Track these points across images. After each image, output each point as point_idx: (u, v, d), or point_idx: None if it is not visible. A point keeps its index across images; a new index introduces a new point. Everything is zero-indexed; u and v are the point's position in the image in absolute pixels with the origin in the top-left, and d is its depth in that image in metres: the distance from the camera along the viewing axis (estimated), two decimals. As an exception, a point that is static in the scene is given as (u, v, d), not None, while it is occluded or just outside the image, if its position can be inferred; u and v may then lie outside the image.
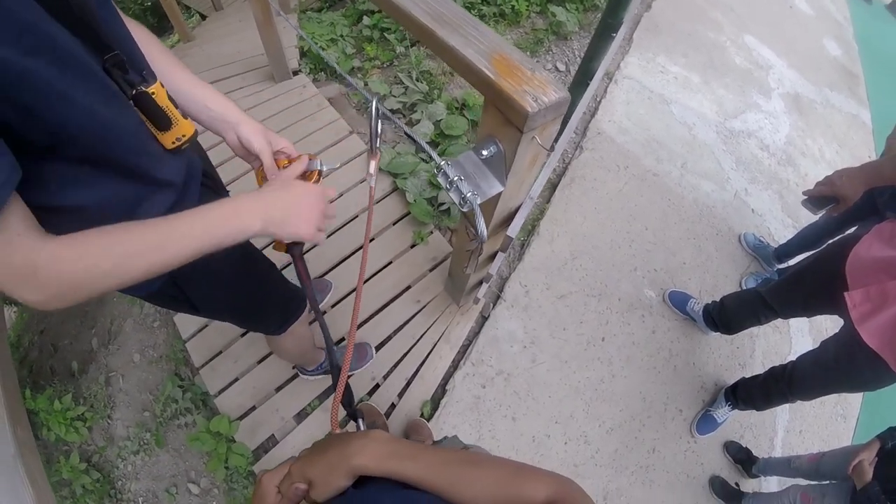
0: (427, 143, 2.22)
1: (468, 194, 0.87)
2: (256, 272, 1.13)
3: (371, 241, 2.06)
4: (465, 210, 0.88)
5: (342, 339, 1.92)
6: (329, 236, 2.07)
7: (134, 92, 0.61)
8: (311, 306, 0.80)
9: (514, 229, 1.60)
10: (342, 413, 0.64)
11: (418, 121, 2.26)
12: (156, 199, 0.70)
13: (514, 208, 1.29)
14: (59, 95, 0.49)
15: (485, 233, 0.92)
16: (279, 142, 0.88)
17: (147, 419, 1.97)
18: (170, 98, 0.66)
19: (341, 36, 2.62)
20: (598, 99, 2.64)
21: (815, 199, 1.39)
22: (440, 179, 0.90)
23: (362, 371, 1.86)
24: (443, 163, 0.88)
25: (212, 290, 0.97)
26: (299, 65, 2.51)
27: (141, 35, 0.75)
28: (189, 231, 0.60)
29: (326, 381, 1.86)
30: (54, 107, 0.49)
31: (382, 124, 0.98)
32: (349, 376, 0.68)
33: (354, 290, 1.99)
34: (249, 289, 1.09)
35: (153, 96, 0.63)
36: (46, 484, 0.87)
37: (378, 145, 1.04)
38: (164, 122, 0.66)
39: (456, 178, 0.87)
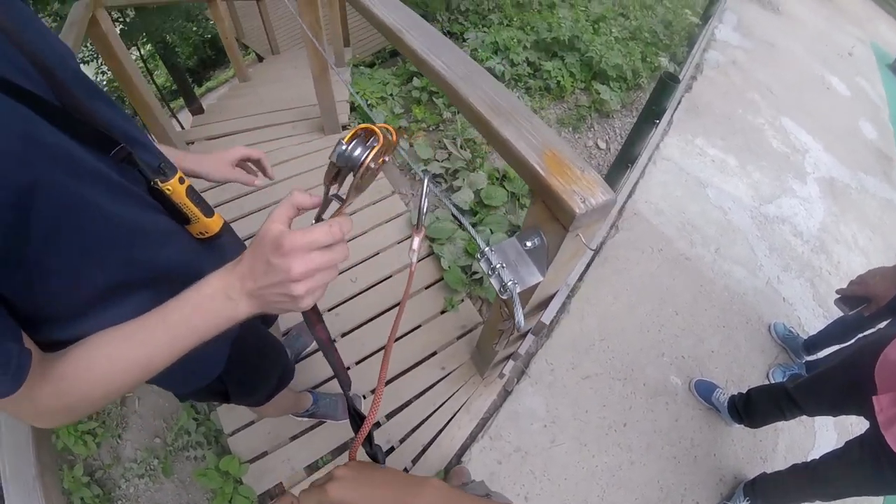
0: (465, 211, 2.28)
1: (509, 283, 0.88)
2: (272, 351, 1.15)
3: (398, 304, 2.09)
4: (504, 297, 0.90)
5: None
6: (360, 294, 2.11)
7: (149, 186, 0.59)
8: (337, 376, 0.70)
9: (548, 315, 1.62)
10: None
11: (459, 188, 2.32)
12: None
13: (551, 295, 1.32)
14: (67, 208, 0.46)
15: (522, 322, 0.93)
16: (234, 153, 0.94)
17: (157, 446, 1.99)
18: (194, 192, 0.64)
19: (391, 95, 2.74)
20: (635, 179, 2.68)
21: (847, 298, 1.40)
22: (482, 265, 0.92)
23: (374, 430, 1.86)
24: (487, 249, 0.90)
25: (245, 376, 0.99)
26: (349, 119, 2.62)
27: None
28: (163, 331, 0.52)
29: (341, 434, 1.87)
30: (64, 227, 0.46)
31: (428, 201, 1.01)
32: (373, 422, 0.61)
33: (381, 349, 2.01)
34: (264, 368, 1.11)
35: (168, 193, 0.60)
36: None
37: (423, 222, 1.07)
38: (181, 218, 0.64)
39: (498, 266, 0.89)
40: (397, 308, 2.13)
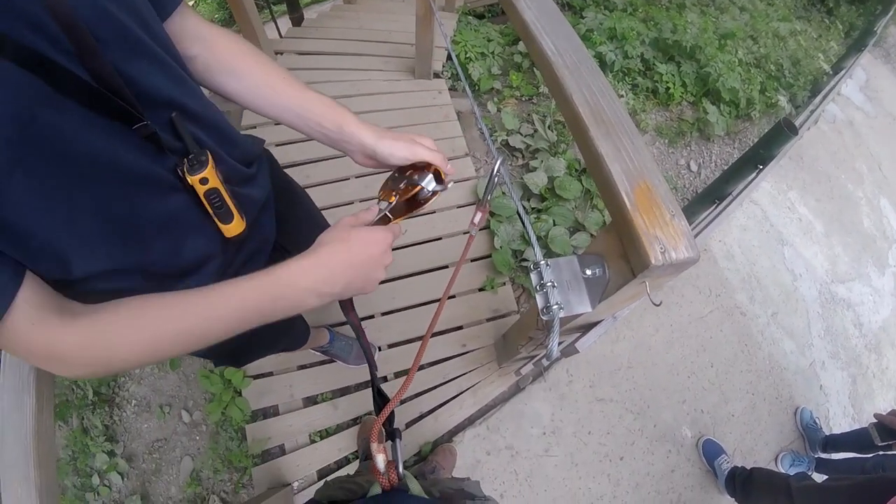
0: (534, 195, 2.15)
1: (554, 305, 0.79)
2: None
3: (442, 268, 2.02)
4: (544, 318, 0.81)
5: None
6: (407, 247, 2.04)
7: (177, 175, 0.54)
8: (367, 360, 0.73)
9: (584, 344, 1.53)
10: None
11: (535, 168, 2.19)
12: (202, 271, 0.64)
13: (594, 322, 1.22)
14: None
15: (555, 352, 0.85)
16: (424, 142, 0.69)
17: (172, 337, 2.03)
18: (216, 196, 0.58)
19: (492, 53, 2.57)
20: (716, 214, 2.50)
21: (882, 427, 1.40)
22: (532, 276, 0.84)
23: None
24: (542, 262, 0.81)
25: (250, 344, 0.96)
26: (443, 68, 2.47)
27: (231, 46, 0.66)
28: (230, 312, 0.52)
29: (346, 377, 1.86)
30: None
31: (499, 181, 0.92)
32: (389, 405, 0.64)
33: (414, 307, 1.97)
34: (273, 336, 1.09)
35: (202, 185, 0.55)
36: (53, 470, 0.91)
37: (489, 199, 0.98)
38: (224, 212, 0.60)
39: (549, 283, 0.80)
40: (438, 271, 2.04)
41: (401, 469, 0.60)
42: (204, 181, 0.55)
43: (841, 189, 3.18)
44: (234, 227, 0.62)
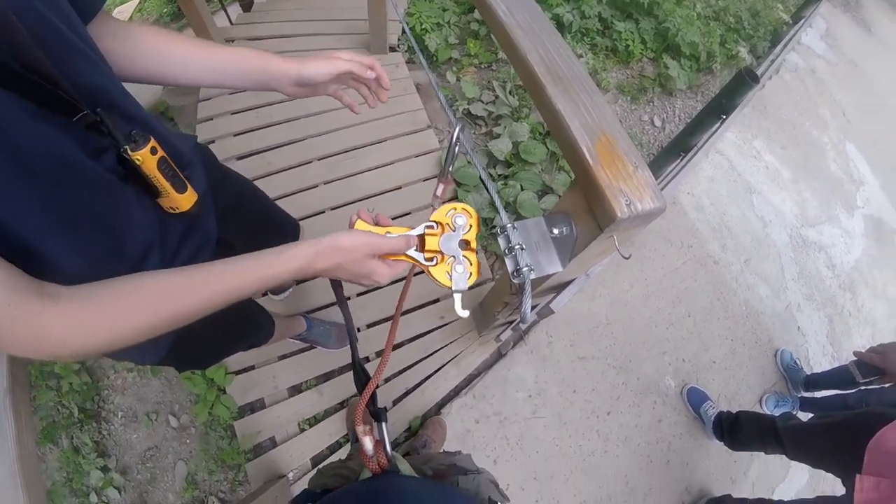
0: (500, 161, 2.14)
1: (524, 268, 0.78)
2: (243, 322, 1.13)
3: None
4: (515, 281, 0.80)
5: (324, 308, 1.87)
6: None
7: (119, 153, 0.54)
8: (348, 332, 0.76)
9: (559, 304, 1.53)
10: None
11: (498, 135, 2.17)
12: (144, 266, 0.64)
13: (567, 282, 1.22)
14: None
15: (528, 315, 0.84)
16: (342, 55, 0.73)
17: (150, 342, 2.00)
18: (167, 165, 0.59)
19: (448, 23, 2.52)
20: (683, 167, 2.52)
21: (863, 364, 1.38)
22: (500, 241, 0.81)
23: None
24: (509, 225, 0.79)
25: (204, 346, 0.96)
26: (399, 42, 2.43)
27: (146, 33, 0.69)
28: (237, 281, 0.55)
29: (328, 362, 1.85)
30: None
31: (459, 149, 0.90)
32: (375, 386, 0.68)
33: (388, 285, 1.93)
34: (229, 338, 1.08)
35: (138, 163, 0.55)
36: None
37: (451, 168, 0.97)
38: (150, 191, 0.60)
39: (517, 246, 0.78)
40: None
41: (388, 450, 0.61)
42: (154, 151, 0.56)
43: (806, 136, 3.22)
44: (189, 197, 0.63)
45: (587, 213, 0.75)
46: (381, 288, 1.94)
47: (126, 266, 0.60)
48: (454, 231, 0.67)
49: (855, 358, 1.49)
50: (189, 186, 0.63)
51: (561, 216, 0.85)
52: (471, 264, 0.67)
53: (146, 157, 0.55)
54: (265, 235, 1.01)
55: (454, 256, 0.66)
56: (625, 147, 0.72)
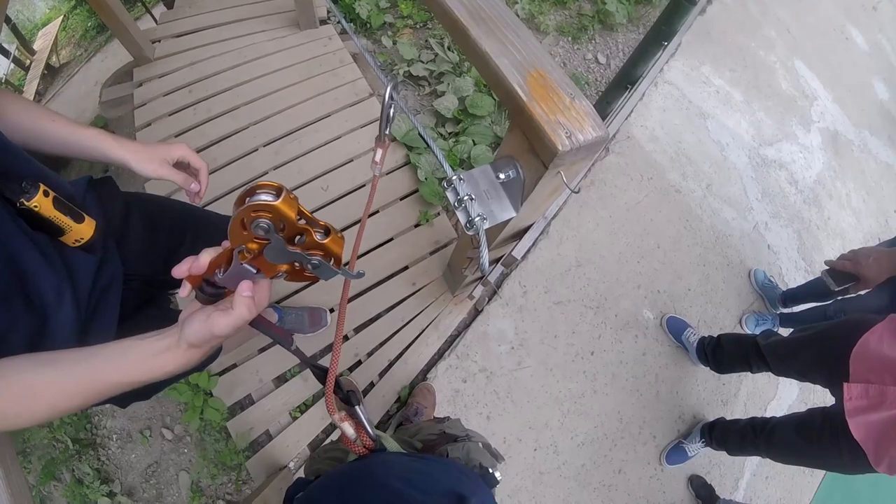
0: (448, 119, 2.10)
1: (476, 218, 0.76)
2: None
3: (374, 214, 1.97)
4: (469, 233, 0.78)
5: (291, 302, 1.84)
6: (331, 203, 1.98)
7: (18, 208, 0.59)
8: (277, 341, 0.64)
9: (520, 250, 1.51)
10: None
11: (443, 93, 2.12)
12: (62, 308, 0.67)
13: (525, 227, 1.20)
14: None
15: (486, 265, 0.82)
16: (175, 151, 0.84)
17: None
18: (61, 203, 0.64)
19: (378, -14, 2.44)
20: (634, 101, 2.50)
21: (836, 273, 1.37)
22: (448, 194, 0.79)
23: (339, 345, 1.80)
24: (455, 177, 0.77)
25: None
26: (328, 14, 2.35)
27: (7, 106, 0.73)
28: (117, 381, 0.53)
29: (307, 346, 1.82)
30: None
31: (395, 109, 0.86)
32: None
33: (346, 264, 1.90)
34: None
35: (36, 209, 0.61)
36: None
37: (388, 132, 0.92)
38: (56, 231, 0.65)
39: (466, 197, 0.76)
40: (368, 218, 1.98)
41: (370, 430, 0.60)
42: (46, 193, 0.61)
43: (753, 57, 3.23)
44: (88, 225, 0.68)
45: (529, 152, 0.74)
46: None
47: (38, 315, 0.64)
48: (270, 242, 0.46)
49: (827, 267, 1.50)
50: (86, 216, 0.68)
51: (505, 160, 0.83)
52: (325, 254, 0.50)
53: (41, 202, 0.61)
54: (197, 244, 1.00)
55: (297, 262, 0.49)
56: (558, 79, 0.70)
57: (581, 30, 2.61)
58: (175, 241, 0.97)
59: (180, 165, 0.87)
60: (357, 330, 1.86)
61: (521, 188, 0.82)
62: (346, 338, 1.86)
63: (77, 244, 0.69)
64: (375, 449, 0.61)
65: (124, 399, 0.92)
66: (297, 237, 0.47)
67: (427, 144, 0.84)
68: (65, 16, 5.83)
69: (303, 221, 0.47)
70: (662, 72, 2.68)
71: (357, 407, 0.61)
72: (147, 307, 0.96)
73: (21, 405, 0.50)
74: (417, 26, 2.41)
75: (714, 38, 3.08)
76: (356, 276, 0.57)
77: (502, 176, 0.81)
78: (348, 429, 0.59)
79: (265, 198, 0.43)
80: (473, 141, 2.00)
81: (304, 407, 1.78)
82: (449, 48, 2.23)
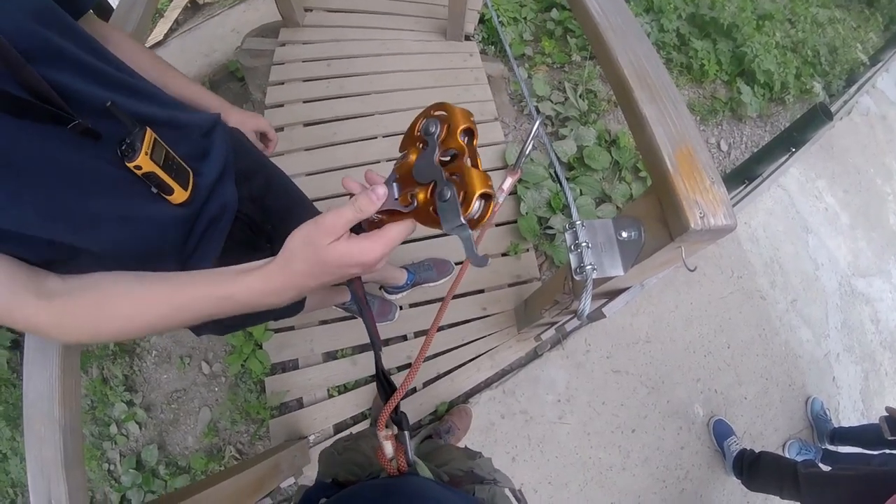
0: (563, 163, 2.13)
1: (588, 266, 0.80)
2: None
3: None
4: (577, 278, 0.81)
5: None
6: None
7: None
8: (371, 340, 0.63)
9: (612, 309, 1.51)
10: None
11: (564, 137, 2.15)
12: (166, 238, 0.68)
13: (622, 289, 1.21)
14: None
15: (586, 310, 0.84)
16: (261, 123, 1.05)
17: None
18: (155, 175, 0.61)
19: (524, 18, 2.51)
20: (744, 196, 2.46)
21: (893, 420, 1.41)
22: (567, 236, 0.83)
23: (398, 345, 1.87)
24: (578, 223, 0.82)
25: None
26: (474, 31, 2.42)
27: (131, 47, 0.79)
28: (197, 306, 0.54)
29: (366, 334, 1.85)
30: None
31: (535, 144, 0.90)
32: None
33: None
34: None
35: (138, 171, 0.59)
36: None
37: (522, 164, 0.96)
38: (163, 188, 0.64)
39: (584, 244, 0.80)
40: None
41: (411, 457, 0.60)
42: (138, 168, 0.58)
43: (869, 183, 3.13)
44: (177, 197, 0.65)
45: (659, 220, 0.75)
46: (431, 239, 1.97)
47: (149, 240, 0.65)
48: (427, 147, 0.45)
49: (887, 413, 1.46)
50: (176, 188, 0.65)
51: (630, 220, 0.84)
52: (462, 183, 0.42)
53: (144, 161, 0.58)
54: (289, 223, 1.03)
55: (434, 181, 0.44)
56: (704, 160, 0.72)
57: (711, 112, 2.60)
58: (280, 206, 1.02)
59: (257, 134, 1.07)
60: (417, 334, 1.90)
61: (638, 251, 0.83)
62: (404, 338, 1.90)
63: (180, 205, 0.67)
64: (407, 473, 0.60)
65: (200, 327, 0.94)
66: (451, 156, 0.44)
67: (560, 184, 0.88)
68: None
69: (465, 139, 0.44)
70: (778, 174, 2.63)
71: (406, 433, 0.60)
72: (247, 253, 0.94)
73: (96, 316, 0.53)
74: (554, 66, 2.46)
75: (835, 154, 3.01)
76: (481, 261, 0.47)
77: (624, 234, 0.83)
78: (389, 448, 0.58)
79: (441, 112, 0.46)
80: (581, 191, 2.01)
81: (342, 388, 1.81)
82: (581, 96, 2.27)
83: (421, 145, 0.46)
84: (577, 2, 0.92)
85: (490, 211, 0.42)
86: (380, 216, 0.49)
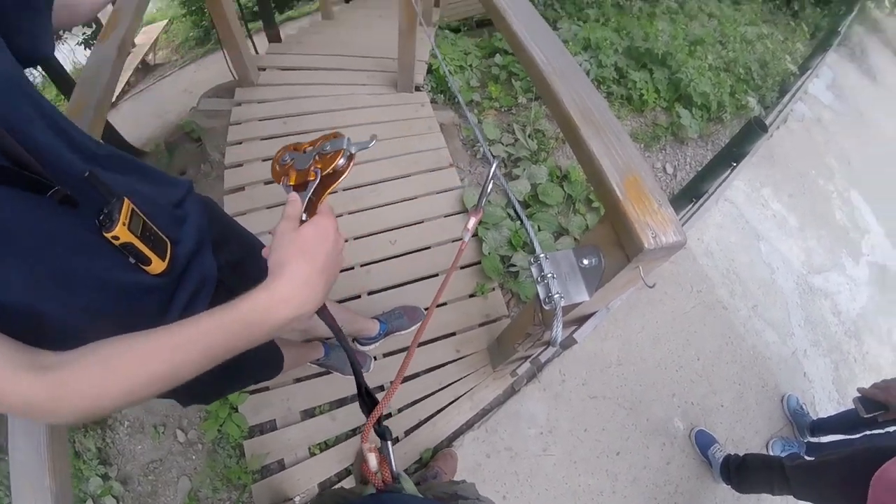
0: (520, 201, 2.22)
1: (555, 295, 0.85)
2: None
3: (433, 277, 2.07)
4: (546, 308, 0.86)
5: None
6: (396, 257, 2.09)
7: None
8: (350, 359, 0.68)
9: (582, 334, 1.58)
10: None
11: (517, 177, 2.26)
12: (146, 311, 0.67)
13: (588, 314, 1.28)
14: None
15: (559, 338, 0.90)
16: None
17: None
18: (133, 246, 0.60)
19: (470, 66, 2.65)
20: (693, 214, 2.59)
21: (867, 400, 1.44)
22: (532, 269, 0.89)
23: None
24: (542, 255, 0.87)
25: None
26: (424, 81, 2.55)
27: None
28: (198, 350, 0.53)
29: (345, 387, 1.87)
30: None
31: (493, 184, 0.97)
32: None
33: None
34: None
35: (115, 241, 0.58)
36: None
37: (483, 204, 1.03)
38: (140, 259, 0.63)
39: (549, 275, 0.86)
40: (428, 279, 2.08)
41: (394, 467, 0.62)
42: (115, 238, 0.58)
43: (812, 185, 3.31)
44: (155, 267, 0.65)
45: (615, 245, 0.82)
46: (400, 286, 2.02)
47: (130, 314, 0.63)
48: (292, 162, 0.63)
49: (859, 395, 1.53)
50: (154, 258, 0.64)
51: (590, 248, 0.91)
52: (328, 139, 0.62)
53: (122, 232, 0.58)
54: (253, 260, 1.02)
55: (315, 154, 0.61)
56: (650, 186, 0.79)
57: (654, 139, 2.76)
58: (256, 269, 1.04)
59: None
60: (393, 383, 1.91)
61: (600, 275, 0.89)
62: (380, 388, 1.91)
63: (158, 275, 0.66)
64: (392, 489, 0.61)
65: (185, 397, 0.95)
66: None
67: (521, 221, 0.94)
68: (170, 20, 6.38)
69: (309, 147, 0.63)
70: (724, 189, 2.78)
71: (388, 442, 0.63)
72: None
73: (99, 378, 0.50)
74: (503, 109, 2.60)
75: (777, 161, 3.19)
76: (369, 143, 0.62)
77: (585, 262, 0.89)
78: (373, 459, 0.59)
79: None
80: (539, 227, 2.11)
81: (324, 445, 1.79)
82: (530, 136, 2.39)
83: (289, 167, 0.63)
84: (523, 50, 1.01)
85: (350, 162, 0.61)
86: (307, 218, 0.60)
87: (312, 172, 0.59)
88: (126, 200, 0.59)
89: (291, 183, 0.61)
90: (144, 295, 0.66)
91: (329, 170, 0.59)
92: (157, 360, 0.52)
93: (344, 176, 0.60)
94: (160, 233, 0.66)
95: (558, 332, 0.87)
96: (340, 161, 0.59)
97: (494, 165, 0.92)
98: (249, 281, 0.92)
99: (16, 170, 0.47)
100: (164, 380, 0.52)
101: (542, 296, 0.87)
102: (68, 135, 0.59)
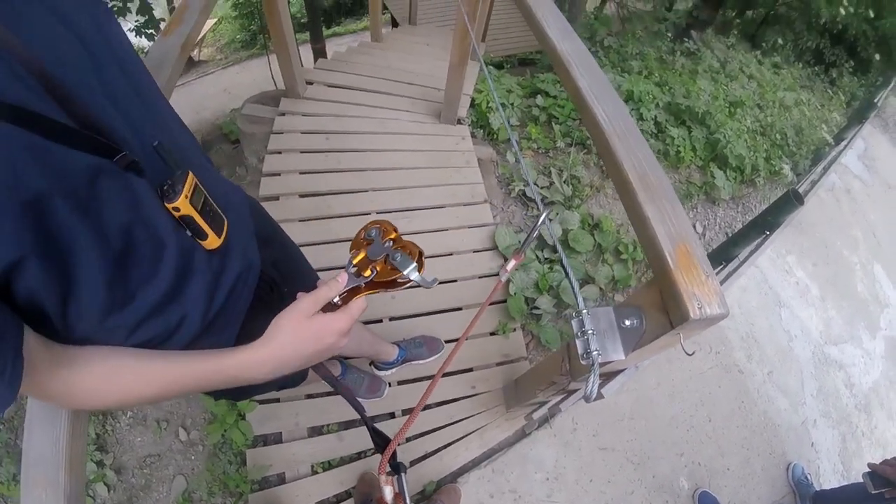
0: (548, 246, 2.26)
1: (594, 352, 0.85)
2: None
3: (457, 310, 2.09)
4: (583, 363, 0.87)
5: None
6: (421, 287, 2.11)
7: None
8: (352, 405, 0.76)
9: (609, 390, 1.58)
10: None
11: (550, 220, 2.29)
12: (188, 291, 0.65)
13: (619, 370, 1.29)
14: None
15: (594, 394, 0.91)
16: None
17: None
18: (192, 219, 0.60)
19: (511, 104, 2.71)
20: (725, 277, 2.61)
21: (876, 476, 1.44)
22: (573, 323, 0.90)
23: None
24: (584, 311, 0.88)
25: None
26: (467, 114, 2.60)
27: None
28: (190, 382, 0.60)
29: (353, 411, 1.88)
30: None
31: (538, 233, 0.99)
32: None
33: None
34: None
35: (176, 213, 0.58)
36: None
37: (525, 249, 1.06)
38: (197, 233, 0.63)
39: (590, 331, 0.86)
40: (451, 312, 2.08)
41: (408, 501, 0.64)
42: (176, 209, 0.57)
43: (837, 254, 3.31)
44: (210, 242, 0.64)
45: (660, 309, 0.83)
46: (422, 316, 2.03)
47: (171, 296, 0.62)
48: (374, 241, 0.65)
49: (869, 469, 1.53)
50: (210, 233, 0.63)
51: (633, 309, 0.92)
52: (407, 251, 0.64)
53: (183, 204, 0.57)
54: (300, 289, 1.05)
55: (387, 254, 0.63)
56: (700, 256, 0.81)
57: (686, 196, 2.79)
58: (293, 271, 1.05)
59: None
60: (405, 412, 1.91)
61: (639, 337, 0.90)
62: (392, 415, 1.92)
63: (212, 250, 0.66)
64: None
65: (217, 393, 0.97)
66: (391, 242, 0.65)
67: (567, 273, 0.95)
68: (219, 19, 6.53)
69: (391, 238, 0.65)
70: (756, 257, 2.80)
71: (402, 476, 0.65)
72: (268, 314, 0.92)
73: (102, 387, 0.56)
74: (540, 151, 2.65)
75: (804, 229, 3.20)
76: (430, 284, 0.65)
77: (627, 323, 0.90)
78: (389, 493, 0.62)
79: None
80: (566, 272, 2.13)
81: (327, 465, 1.78)
82: (565, 181, 2.43)
83: (366, 243, 0.65)
84: (586, 108, 1.03)
85: (422, 264, 0.64)
86: (340, 302, 0.63)
87: (370, 270, 0.63)
88: (190, 174, 0.59)
89: (355, 262, 0.64)
90: (191, 272, 0.66)
91: (382, 279, 0.63)
92: (152, 385, 0.58)
93: (390, 291, 0.64)
94: (219, 210, 0.66)
95: (594, 388, 0.88)
96: (397, 279, 0.63)
97: (545, 215, 0.95)
98: (286, 280, 0.94)
99: (86, 133, 0.47)
100: (151, 400, 0.60)
101: (580, 350, 0.88)
102: (138, 104, 0.59)
